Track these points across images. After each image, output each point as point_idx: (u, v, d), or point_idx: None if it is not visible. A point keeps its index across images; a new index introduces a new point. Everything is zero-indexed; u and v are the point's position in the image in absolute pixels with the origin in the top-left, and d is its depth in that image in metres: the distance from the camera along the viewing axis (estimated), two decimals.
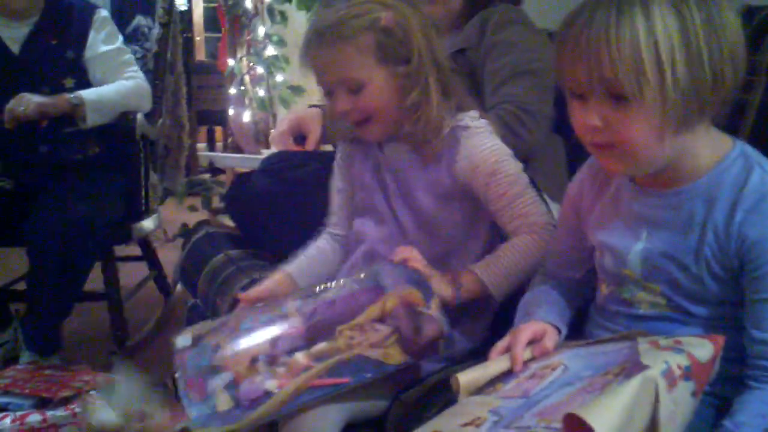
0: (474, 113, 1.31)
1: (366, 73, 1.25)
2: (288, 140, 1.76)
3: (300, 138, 1.77)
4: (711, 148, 0.98)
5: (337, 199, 1.46)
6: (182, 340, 1.18)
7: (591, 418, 0.75)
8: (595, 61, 0.89)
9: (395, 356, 1.12)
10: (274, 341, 1.15)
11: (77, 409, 1.86)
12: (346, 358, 1.11)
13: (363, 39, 1.23)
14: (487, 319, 1.32)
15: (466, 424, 0.90)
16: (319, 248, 1.45)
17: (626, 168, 0.99)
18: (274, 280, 1.39)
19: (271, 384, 1.09)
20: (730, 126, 1.43)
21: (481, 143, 1.29)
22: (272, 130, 3.61)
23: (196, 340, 1.18)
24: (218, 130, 5.73)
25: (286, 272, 1.41)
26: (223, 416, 1.07)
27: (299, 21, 3.54)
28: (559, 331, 1.10)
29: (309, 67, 1.30)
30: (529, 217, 1.27)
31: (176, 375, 1.14)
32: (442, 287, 1.21)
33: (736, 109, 1.45)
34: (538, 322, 1.09)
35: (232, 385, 1.10)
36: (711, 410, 0.94)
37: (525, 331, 1.07)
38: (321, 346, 1.13)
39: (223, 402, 1.09)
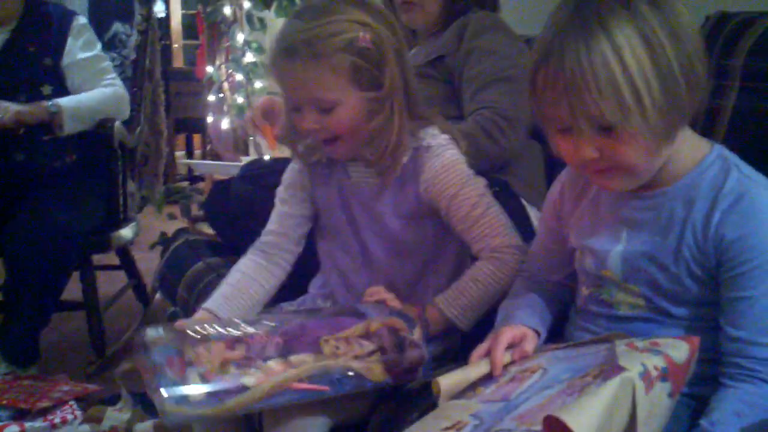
0: (433, 130, 1.29)
1: (338, 95, 1.21)
2: (259, 118, 1.74)
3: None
4: (690, 151, 1.00)
5: (280, 211, 1.41)
6: (153, 331, 1.13)
7: (570, 419, 0.76)
8: (577, 102, 0.90)
9: (377, 373, 1.11)
10: (247, 347, 1.12)
11: (56, 420, 1.85)
12: (330, 365, 1.10)
13: (338, 59, 1.19)
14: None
15: (447, 428, 0.90)
16: (244, 273, 1.38)
17: (628, 185, 1.00)
18: (195, 320, 1.29)
19: (248, 380, 1.07)
20: (705, 131, 1.46)
21: (444, 164, 1.27)
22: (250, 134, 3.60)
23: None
24: (197, 138, 5.72)
25: (206, 309, 1.33)
26: (197, 402, 1.04)
27: (278, 28, 3.54)
28: (539, 334, 1.10)
29: (276, 79, 1.26)
30: (491, 239, 1.26)
31: (147, 355, 1.06)
32: (413, 322, 1.20)
33: (710, 113, 1.48)
34: (518, 326, 1.09)
35: (205, 378, 1.06)
36: (687, 411, 0.95)
37: (504, 334, 1.07)
38: (302, 356, 1.11)
39: (197, 389, 1.04)
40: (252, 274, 1.37)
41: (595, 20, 0.89)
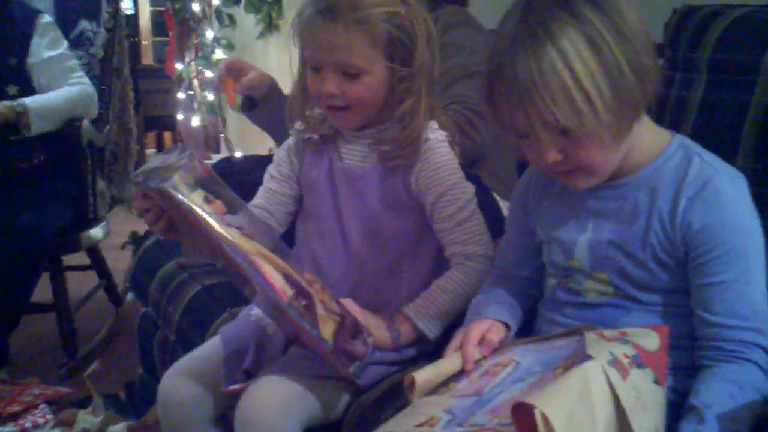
0: (434, 124, 1.29)
1: (367, 64, 1.20)
2: (224, 72, 1.73)
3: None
4: (651, 142, 1.02)
5: (266, 186, 1.39)
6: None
7: (538, 402, 0.76)
8: (533, 110, 0.92)
9: (327, 328, 1.10)
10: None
11: (27, 424, 1.83)
12: (302, 281, 1.11)
13: (379, 29, 1.18)
14: None
15: (420, 425, 0.90)
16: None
17: (593, 182, 1.02)
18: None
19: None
20: (673, 122, 1.48)
21: (439, 160, 1.27)
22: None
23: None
24: (168, 135, 5.67)
25: None
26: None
27: (248, 24, 3.51)
28: (508, 327, 1.11)
29: (303, 36, 1.23)
30: (469, 245, 1.26)
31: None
32: (381, 336, 1.21)
33: (678, 105, 1.49)
34: (487, 320, 1.10)
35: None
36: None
37: (474, 329, 1.08)
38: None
39: None
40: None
41: (540, 28, 0.91)
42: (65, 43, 2.43)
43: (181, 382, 1.28)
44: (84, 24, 2.60)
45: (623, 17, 0.93)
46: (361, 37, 1.18)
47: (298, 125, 1.35)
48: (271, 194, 1.38)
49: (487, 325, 1.09)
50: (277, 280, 1.09)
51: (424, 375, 1.02)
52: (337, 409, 1.20)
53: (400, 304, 1.27)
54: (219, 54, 3.56)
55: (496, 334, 1.08)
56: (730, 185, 0.98)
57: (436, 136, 1.28)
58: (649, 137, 1.02)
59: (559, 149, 0.96)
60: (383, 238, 1.30)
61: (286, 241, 1.37)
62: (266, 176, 1.40)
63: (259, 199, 1.38)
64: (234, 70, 1.68)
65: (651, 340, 0.89)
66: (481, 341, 1.07)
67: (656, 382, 0.86)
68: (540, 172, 1.06)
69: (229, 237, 1.08)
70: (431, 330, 1.24)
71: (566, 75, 0.90)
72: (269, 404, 1.13)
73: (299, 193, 1.39)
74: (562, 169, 0.99)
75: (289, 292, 1.09)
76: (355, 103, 1.23)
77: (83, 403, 1.94)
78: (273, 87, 1.74)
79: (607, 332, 0.91)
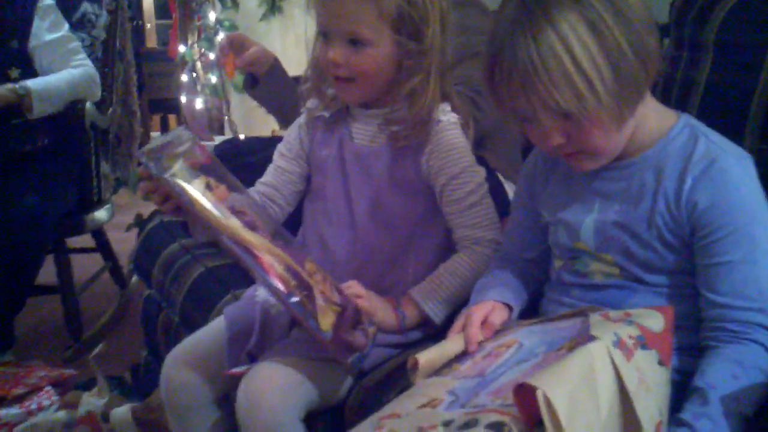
0: (446, 106, 1.28)
1: (374, 35, 1.19)
2: (225, 46, 1.73)
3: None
4: (657, 121, 1.02)
5: (276, 164, 1.38)
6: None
7: (540, 383, 0.76)
8: (534, 95, 0.92)
9: (326, 319, 1.10)
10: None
11: (33, 406, 1.83)
12: (302, 272, 1.11)
13: (388, 2, 1.18)
14: None
15: (423, 406, 0.90)
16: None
17: (599, 164, 1.01)
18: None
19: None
20: (680, 103, 1.46)
21: (451, 142, 1.26)
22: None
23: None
24: (172, 118, 5.66)
25: None
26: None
27: (250, 5, 3.49)
28: (511, 309, 1.11)
29: (317, 4, 1.24)
30: (477, 230, 1.26)
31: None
32: (386, 318, 1.21)
33: (684, 86, 1.48)
34: (490, 302, 1.10)
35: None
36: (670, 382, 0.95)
37: (478, 311, 1.08)
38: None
39: None
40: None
41: (539, 12, 0.91)
42: (66, 26, 2.41)
43: (183, 365, 1.28)
44: (86, 6, 2.59)
45: (626, 1, 0.92)
46: (369, 7, 1.18)
47: (311, 103, 1.35)
48: (280, 172, 1.37)
49: (490, 307, 1.09)
50: (276, 270, 1.08)
51: (427, 356, 1.02)
52: (340, 391, 1.20)
53: (406, 287, 1.26)
54: (222, 36, 3.54)
55: (499, 315, 1.08)
56: (737, 165, 0.97)
57: (448, 118, 1.27)
58: (654, 117, 1.01)
59: (563, 132, 0.96)
60: (391, 219, 1.29)
61: (292, 222, 1.37)
62: (276, 154, 1.40)
63: (268, 177, 1.38)
64: (236, 45, 1.68)
65: (656, 321, 0.88)
66: (484, 323, 1.06)
67: (660, 363, 0.85)
68: (546, 153, 1.06)
69: (229, 228, 1.08)
70: (437, 313, 1.23)
71: (566, 59, 0.89)
72: (271, 387, 1.13)
73: (308, 172, 1.38)
74: (566, 151, 0.99)
75: (291, 282, 1.09)
76: (359, 75, 1.23)
77: (88, 385, 1.95)
78: (275, 65, 1.73)
79: (611, 313, 0.91)
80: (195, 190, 1.09)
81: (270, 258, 1.09)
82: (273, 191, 1.36)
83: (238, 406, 1.14)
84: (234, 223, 1.09)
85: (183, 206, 1.13)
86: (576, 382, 0.78)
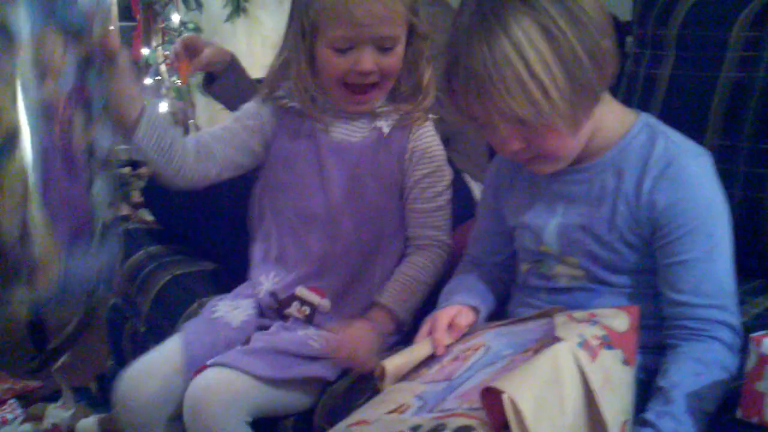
0: None
1: (402, 30, 1.18)
2: (180, 51, 1.69)
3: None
4: (616, 122, 1.02)
5: (226, 124, 1.30)
6: None
7: (506, 386, 0.76)
8: (489, 102, 0.92)
9: None
10: None
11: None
12: None
13: None
14: None
15: (391, 411, 0.90)
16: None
17: (558, 167, 1.02)
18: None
19: None
20: (644, 100, 1.48)
21: (430, 138, 1.27)
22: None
23: None
24: None
25: None
26: None
27: (215, 7, 3.46)
28: (477, 312, 1.11)
29: (335, 17, 1.16)
30: (440, 232, 1.28)
31: None
32: (369, 347, 1.16)
33: (648, 82, 1.49)
34: (455, 306, 1.10)
35: None
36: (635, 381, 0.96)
37: (443, 315, 1.08)
38: None
39: None
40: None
41: (493, 18, 0.91)
42: None
43: (138, 385, 1.22)
44: None
45: (579, 3, 0.92)
46: (398, 6, 1.16)
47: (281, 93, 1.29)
48: (227, 131, 1.28)
49: (456, 311, 1.09)
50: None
51: (394, 362, 1.02)
52: (307, 399, 1.19)
53: (372, 287, 1.26)
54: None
55: (464, 319, 1.08)
56: (695, 163, 0.98)
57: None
58: (613, 118, 1.02)
59: (520, 138, 0.96)
60: (370, 213, 1.28)
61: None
62: (230, 118, 1.32)
63: (215, 128, 1.29)
64: (189, 48, 1.65)
65: (620, 321, 0.89)
66: (450, 326, 1.07)
67: (625, 362, 0.86)
68: (506, 158, 1.06)
69: None
70: (407, 321, 1.23)
71: (520, 65, 0.89)
72: (217, 393, 1.11)
73: (257, 157, 1.31)
74: (525, 156, 0.99)
75: None
76: (387, 76, 1.21)
77: (53, 396, 1.91)
78: (232, 62, 1.71)
79: (576, 314, 0.91)
80: None
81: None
82: (211, 141, 1.25)
83: (184, 408, 1.13)
84: None
85: None
86: (542, 385, 0.78)
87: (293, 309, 1.27)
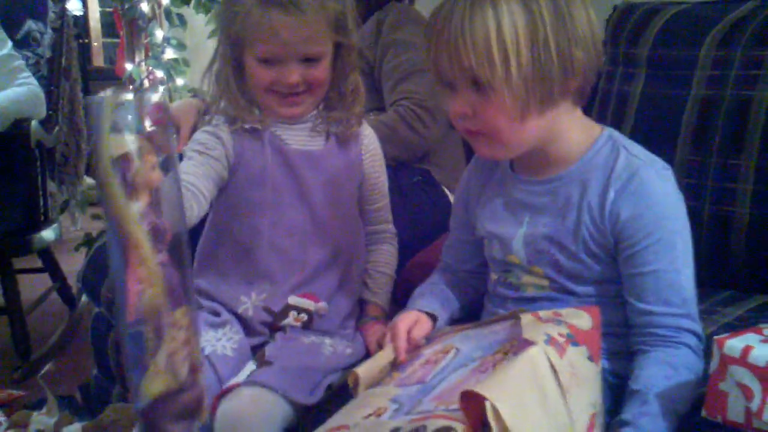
0: None
1: (327, 45, 1.21)
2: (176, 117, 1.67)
3: None
4: (581, 135, 1.05)
5: (199, 159, 1.23)
6: None
7: (487, 392, 0.78)
8: (454, 52, 0.96)
9: (153, 386, 0.75)
10: None
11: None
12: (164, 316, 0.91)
13: (331, 7, 1.19)
14: None
15: (369, 416, 0.91)
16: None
17: (496, 152, 1.04)
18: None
19: None
20: (616, 116, 1.52)
21: (373, 137, 1.34)
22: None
23: None
24: None
25: None
26: None
27: (198, 24, 3.49)
28: (435, 319, 1.14)
29: (257, 33, 1.17)
30: (391, 224, 1.39)
31: None
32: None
33: (620, 99, 1.53)
34: (413, 312, 1.14)
35: None
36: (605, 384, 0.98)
37: (402, 322, 1.12)
38: None
39: None
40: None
41: None
42: (10, 44, 2.39)
43: None
44: (30, 24, 2.57)
45: (570, 7, 0.96)
46: (323, 22, 1.19)
47: (226, 116, 1.27)
48: (204, 164, 1.23)
49: (414, 318, 1.13)
50: (135, 291, 0.75)
51: (365, 368, 1.05)
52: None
53: (355, 281, 1.33)
54: (169, 54, 3.52)
55: (422, 328, 1.12)
56: (656, 176, 1.00)
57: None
58: (578, 131, 1.04)
59: (470, 104, 0.99)
60: (349, 214, 1.33)
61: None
62: (193, 152, 1.24)
63: (194, 167, 1.22)
64: (183, 116, 1.60)
65: (584, 320, 0.91)
66: (410, 332, 1.10)
67: (590, 359, 0.88)
68: (455, 126, 1.06)
69: (124, 213, 0.67)
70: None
71: (493, 31, 0.93)
72: (251, 414, 1.11)
73: (225, 179, 1.26)
74: (470, 127, 1.01)
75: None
76: (315, 87, 1.23)
77: (37, 405, 1.91)
78: (201, 111, 1.65)
79: (542, 313, 0.93)
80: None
81: (144, 273, 0.75)
82: (198, 180, 1.20)
83: (215, 427, 1.11)
84: (133, 212, 0.73)
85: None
86: (522, 389, 0.80)
87: (290, 318, 1.27)
